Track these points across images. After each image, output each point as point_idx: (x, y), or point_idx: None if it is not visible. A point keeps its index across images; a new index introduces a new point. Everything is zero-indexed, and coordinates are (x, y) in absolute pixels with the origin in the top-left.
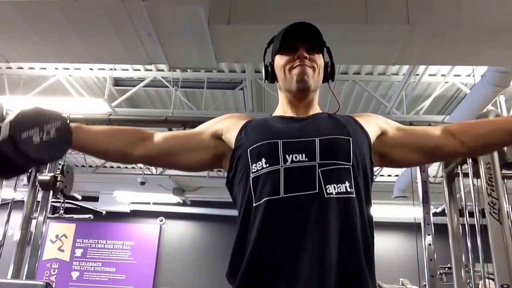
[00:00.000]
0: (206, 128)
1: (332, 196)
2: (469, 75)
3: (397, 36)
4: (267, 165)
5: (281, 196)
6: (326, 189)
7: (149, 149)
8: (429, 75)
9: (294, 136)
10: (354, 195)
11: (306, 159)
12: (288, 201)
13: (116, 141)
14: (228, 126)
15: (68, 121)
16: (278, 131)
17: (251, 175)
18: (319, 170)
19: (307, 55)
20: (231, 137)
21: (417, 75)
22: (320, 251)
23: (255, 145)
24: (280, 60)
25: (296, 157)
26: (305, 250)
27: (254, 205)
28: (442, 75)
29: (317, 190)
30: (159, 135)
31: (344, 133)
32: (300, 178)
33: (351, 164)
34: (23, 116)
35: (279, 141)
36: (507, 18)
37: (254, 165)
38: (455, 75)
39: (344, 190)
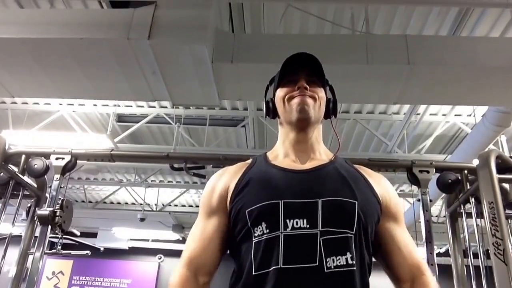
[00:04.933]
0: (215, 207)
1: (331, 270)
2: (470, 115)
3: (397, 76)
4: (268, 230)
5: (280, 267)
6: (326, 263)
7: (208, 282)
8: (430, 114)
9: (296, 196)
10: (355, 268)
11: (308, 226)
12: (287, 273)
13: None
14: (227, 189)
15: None
16: (279, 189)
17: (253, 240)
18: (321, 239)
19: (308, 86)
20: (231, 195)
21: (418, 114)
22: None
23: (254, 206)
24: (280, 93)
25: (297, 223)
26: None
27: (253, 274)
28: (443, 115)
29: (317, 264)
30: (194, 265)
31: (350, 195)
32: (300, 248)
33: (353, 232)
34: None
35: (279, 202)
36: (506, 60)
37: (255, 229)
38: (456, 115)
39: (345, 263)
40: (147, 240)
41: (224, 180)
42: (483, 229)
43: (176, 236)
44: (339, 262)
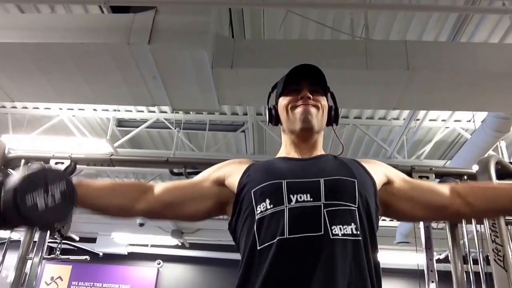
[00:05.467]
0: (208, 175)
1: (337, 237)
2: (470, 121)
3: (397, 82)
4: (271, 206)
5: (285, 237)
6: (331, 230)
7: (150, 202)
8: (430, 120)
9: (298, 176)
10: (361, 238)
11: (311, 199)
12: (293, 243)
13: (116, 196)
14: (230, 171)
15: (72, 182)
16: (282, 172)
17: (256, 216)
18: (324, 211)
19: (311, 96)
20: (234, 181)
21: (418, 120)
22: None
23: (258, 186)
24: (283, 101)
25: (300, 197)
26: None
27: (258, 248)
28: (443, 120)
29: (322, 232)
30: (160, 186)
31: (349, 175)
32: (305, 219)
33: (356, 206)
34: (28, 179)
35: (283, 181)
36: (505, 66)
37: (259, 206)
38: (455, 120)
39: (350, 232)
40: (146, 245)
41: (232, 167)
42: (483, 235)
43: (175, 241)
44: (346, 231)
